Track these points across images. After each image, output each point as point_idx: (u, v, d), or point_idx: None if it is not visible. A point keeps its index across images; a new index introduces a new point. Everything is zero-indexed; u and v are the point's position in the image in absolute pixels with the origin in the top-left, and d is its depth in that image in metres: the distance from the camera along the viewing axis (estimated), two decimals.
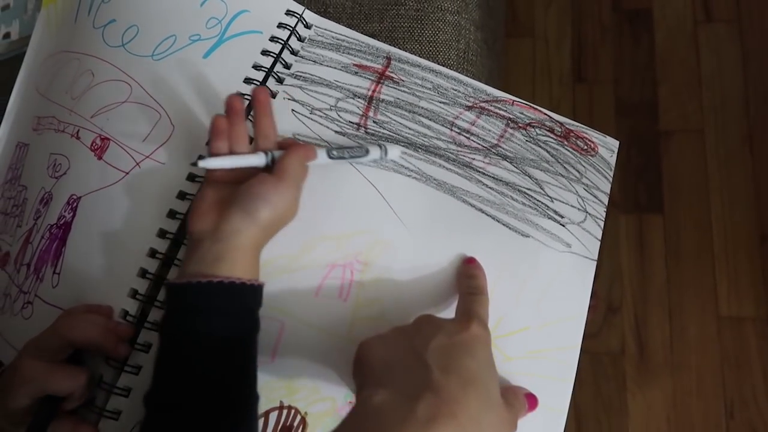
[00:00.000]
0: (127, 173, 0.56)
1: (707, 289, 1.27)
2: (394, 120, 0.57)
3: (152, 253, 0.53)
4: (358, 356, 0.45)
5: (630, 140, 1.36)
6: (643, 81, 1.41)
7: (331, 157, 0.52)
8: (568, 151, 0.58)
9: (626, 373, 1.26)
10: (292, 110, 0.56)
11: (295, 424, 0.51)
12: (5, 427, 0.48)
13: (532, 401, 0.50)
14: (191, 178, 0.54)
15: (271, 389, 0.51)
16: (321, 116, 0.56)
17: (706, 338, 1.25)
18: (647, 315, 1.28)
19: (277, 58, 0.58)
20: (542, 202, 0.56)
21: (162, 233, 0.53)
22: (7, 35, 0.80)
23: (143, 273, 0.52)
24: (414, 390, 0.39)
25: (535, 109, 0.59)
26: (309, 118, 0.56)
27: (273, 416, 0.51)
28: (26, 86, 0.72)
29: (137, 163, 0.56)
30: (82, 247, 0.56)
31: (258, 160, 0.50)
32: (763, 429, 1.19)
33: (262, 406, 0.51)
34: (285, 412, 0.51)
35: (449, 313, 0.53)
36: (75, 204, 0.59)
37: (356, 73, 0.58)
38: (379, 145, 0.54)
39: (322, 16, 0.61)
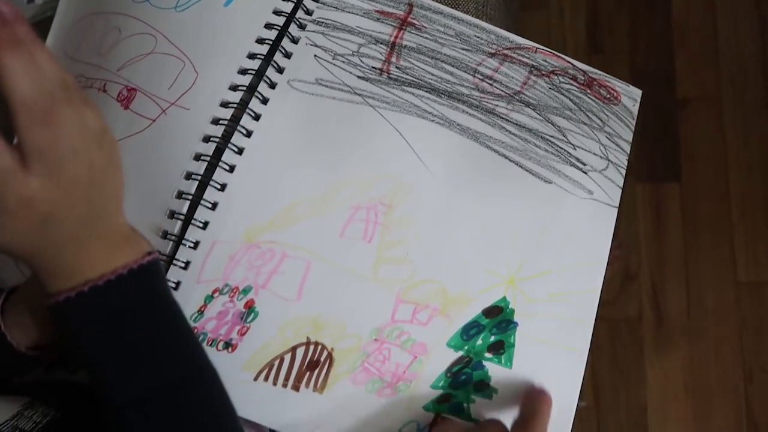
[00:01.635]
0: (154, 120, 0.56)
1: (725, 255, 1.27)
2: (417, 66, 0.57)
3: (179, 195, 0.53)
4: None
5: (647, 109, 1.34)
6: (659, 50, 1.40)
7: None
8: (591, 99, 0.58)
9: (644, 341, 1.26)
10: (315, 56, 0.57)
11: (322, 359, 0.52)
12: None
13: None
14: (215, 122, 0.55)
15: (299, 325, 0.52)
16: (343, 62, 0.57)
17: (723, 304, 1.25)
18: (664, 282, 1.28)
19: (298, 3, 0.58)
20: (565, 150, 0.56)
21: (188, 176, 0.54)
22: (31, 0, 0.81)
23: (172, 214, 0.53)
24: None
25: (558, 56, 0.59)
26: (332, 63, 0.57)
27: (300, 351, 0.52)
28: (54, 52, 0.73)
29: (163, 110, 0.56)
30: None
31: None
32: None
33: (290, 342, 0.52)
34: (312, 347, 0.52)
35: (471, 261, 0.54)
36: None
37: (378, 19, 0.58)
38: None
39: None
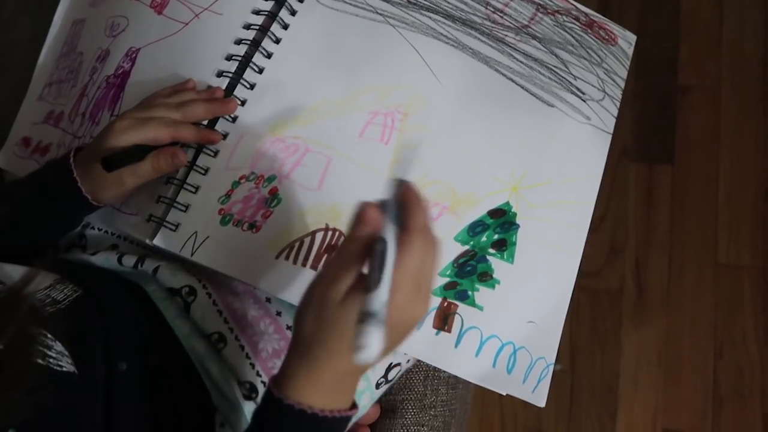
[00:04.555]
0: (187, 24, 0.61)
1: (708, 237, 1.32)
2: None
3: None
4: None
5: (648, 93, 1.40)
6: (666, 38, 1.44)
7: None
8: (591, 38, 0.64)
9: (623, 312, 1.31)
10: None
11: (339, 243, 0.56)
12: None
13: None
14: (247, 27, 0.59)
15: (318, 213, 0.56)
16: None
17: (702, 283, 1.30)
18: (648, 258, 1.33)
19: None
20: (566, 79, 0.61)
21: (219, 73, 0.58)
22: None
23: None
24: None
25: None
26: None
27: (319, 235, 0.56)
28: None
29: (196, 15, 0.61)
30: (141, 90, 0.61)
31: None
32: (750, 369, 1.25)
33: (310, 226, 0.56)
34: (330, 232, 0.56)
35: (478, 166, 0.59)
36: (134, 55, 0.63)
37: None
38: None
39: None
